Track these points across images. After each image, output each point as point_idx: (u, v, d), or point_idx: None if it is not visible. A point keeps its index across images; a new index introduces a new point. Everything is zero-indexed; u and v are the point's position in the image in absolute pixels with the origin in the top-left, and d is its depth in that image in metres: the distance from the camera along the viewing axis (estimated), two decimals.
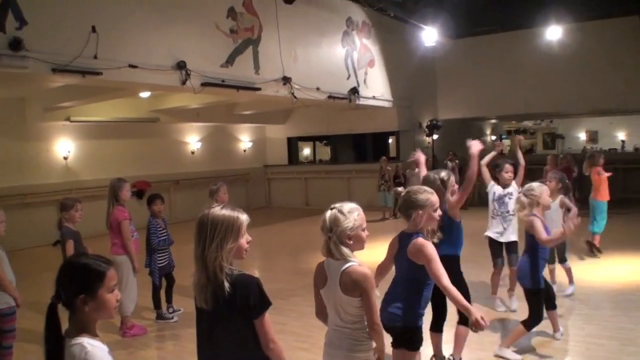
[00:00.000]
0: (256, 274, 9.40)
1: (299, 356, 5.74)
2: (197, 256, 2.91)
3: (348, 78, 15.96)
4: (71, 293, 2.40)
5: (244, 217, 2.97)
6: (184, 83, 10.70)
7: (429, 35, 16.62)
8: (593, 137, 33.99)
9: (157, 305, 7.33)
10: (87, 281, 2.42)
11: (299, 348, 5.96)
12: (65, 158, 14.86)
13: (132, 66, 9.68)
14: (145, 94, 13.88)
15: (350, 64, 16.15)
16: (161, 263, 7.29)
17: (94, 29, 9.08)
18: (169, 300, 7.50)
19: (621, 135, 32.56)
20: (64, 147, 14.86)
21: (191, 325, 6.78)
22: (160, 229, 7.28)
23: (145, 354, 6.16)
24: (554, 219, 6.55)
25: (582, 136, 34.66)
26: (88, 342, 2.39)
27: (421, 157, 6.25)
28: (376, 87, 17.42)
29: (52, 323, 2.41)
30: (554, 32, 16.60)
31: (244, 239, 2.99)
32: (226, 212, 2.93)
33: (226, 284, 2.85)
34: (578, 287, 7.70)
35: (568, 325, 6.36)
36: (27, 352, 6.00)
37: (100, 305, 2.44)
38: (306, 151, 25.62)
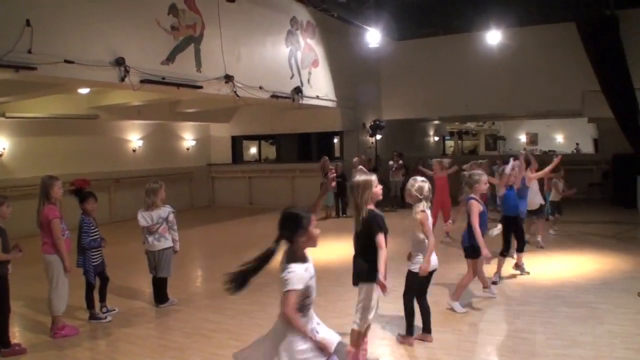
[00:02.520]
0: (198, 272, 9.42)
1: (231, 354, 5.72)
2: (355, 203, 5.15)
3: (292, 77, 15.99)
4: (293, 231, 3.78)
5: (374, 177, 5.22)
6: (122, 80, 10.52)
7: (373, 37, 16.76)
8: (533, 139, 34.97)
9: (90, 305, 7.20)
10: (302, 222, 3.77)
11: (233, 346, 5.94)
12: None
13: (68, 61, 9.45)
14: (84, 90, 13.59)
15: (294, 63, 16.19)
16: (95, 262, 7.17)
17: (28, 23, 8.83)
18: (102, 299, 7.38)
19: (559, 138, 33.61)
20: None
21: (125, 324, 6.81)
22: (93, 228, 7.16)
23: (77, 354, 6.04)
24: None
25: (523, 138, 35.58)
26: (295, 266, 3.76)
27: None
28: (320, 87, 17.51)
29: (264, 262, 3.89)
30: (493, 36, 16.96)
31: (377, 189, 5.17)
32: (364, 176, 5.23)
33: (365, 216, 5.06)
34: (510, 282, 8.01)
35: (497, 321, 6.56)
36: None
37: (310, 237, 3.80)
38: (252, 150, 25.55)
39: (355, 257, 5.27)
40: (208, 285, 9.20)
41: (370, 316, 5.16)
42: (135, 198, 17.35)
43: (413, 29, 19.15)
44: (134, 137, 18.67)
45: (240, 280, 3.91)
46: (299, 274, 3.72)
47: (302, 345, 3.74)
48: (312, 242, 3.84)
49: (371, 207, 5.13)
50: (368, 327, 5.32)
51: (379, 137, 19.82)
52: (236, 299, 7.87)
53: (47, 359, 5.93)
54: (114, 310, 7.47)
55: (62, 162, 15.31)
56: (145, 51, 11.14)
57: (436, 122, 29.15)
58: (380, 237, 5.00)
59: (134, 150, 18.63)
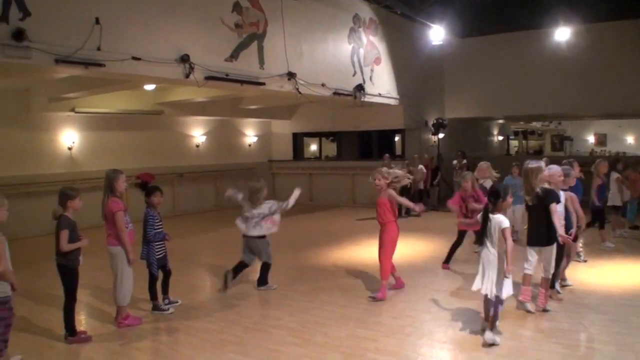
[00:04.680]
0: (257, 267, 9.44)
1: (292, 351, 5.74)
2: (530, 183, 6.66)
3: (354, 75, 15.91)
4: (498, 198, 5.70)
5: (542, 163, 6.89)
6: (187, 76, 10.68)
7: (437, 34, 16.60)
8: (602, 140, 33.87)
9: (153, 296, 7.34)
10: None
11: (292, 343, 5.95)
12: (69, 148, 14.91)
13: (135, 58, 9.68)
14: (150, 87, 13.88)
15: (357, 60, 16.10)
16: (159, 254, 7.30)
17: (97, 21, 9.08)
18: (165, 291, 7.51)
19: (630, 139, 32.43)
20: (69, 137, 14.91)
21: (186, 317, 6.89)
22: (157, 221, 7.28)
23: (139, 343, 6.15)
24: None
25: (591, 139, 34.50)
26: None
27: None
28: (382, 85, 17.37)
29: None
30: (562, 33, 16.51)
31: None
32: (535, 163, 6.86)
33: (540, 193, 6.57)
34: (581, 287, 7.74)
35: (566, 329, 6.29)
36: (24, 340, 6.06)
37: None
38: (313, 147, 25.60)
39: (532, 225, 6.89)
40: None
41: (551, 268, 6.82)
42: (197, 192, 17.79)
43: (478, 25, 18.82)
44: (198, 133, 18.97)
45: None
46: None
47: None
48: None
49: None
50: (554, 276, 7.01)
51: (441, 135, 19.55)
52: (296, 296, 7.96)
53: (111, 347, 6.05)
54: (177, 302, 7.58)
55: (127, 156, 15.73)
56: (209, 48, 11.28)
57: (500, 121, 28.56)
58: (554, 206, 6.60)
59: (197, 146, 18.93)
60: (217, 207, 18.39)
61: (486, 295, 5.84)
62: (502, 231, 5.72)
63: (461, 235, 9.33)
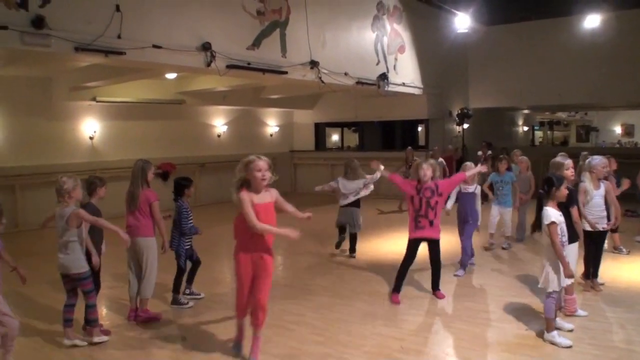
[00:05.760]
0: (277, 259, 9.27)
1: (313, 350, 5.55)
2: None
3: (377, 64, 15.64)
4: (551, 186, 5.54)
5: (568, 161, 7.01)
6: (208, 65, 10.53)
7: (462, 22, 16.23)
8: (629, 130, 33.19)
9: (176, 289, 7.20)
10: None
11: (314, 341, 5.76)
12: (90, 138, 14.86)
13: (156, 46, 9.54)
14: (171, 76, 13.77)
15: (380, 49, 15.82)
16: (187, 245, 7.19)
17: (117, 8, 8.96)
18: (190, 281, 7.41)
19: None
20: (90, 127, 14.85)
21: (207, 311, 6.77)
22: (190, 213, 7.14)
23: (158, 338, 5.99)
24: None
25: (618, 129, 33.84)
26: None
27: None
28: (406, 74, 17.07)
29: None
30: (591, 21, 16.06)
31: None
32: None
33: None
34: (612, 285, 7.49)
35: (598, 329, 6.02)
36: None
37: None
38: (334, 137, 25.38)
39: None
40: (287, 273, 9.07)
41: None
42: (218, 183, 17.64)
43: (504, 13, 18.41)
44: (219, 123, 18.84)
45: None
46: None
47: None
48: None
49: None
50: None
51: (465, 126, 19.22)
52: (318, 290, 7.76)
53: (128, 341, 5.94)
54: (200, 295, 7.46)
55: (148, 146, 15.63)
56: (231, 36, 11.10)
57: (526, 111, 28.09)
58: (575, 210, 6.45)
59: (218, 136, 18.80)
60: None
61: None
62: (547, 227, 5.47)
63: (412, 248, 7.21)
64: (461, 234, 8.64)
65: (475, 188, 8.70)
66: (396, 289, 7.19)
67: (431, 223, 6.92)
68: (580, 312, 6.37)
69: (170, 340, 5.99)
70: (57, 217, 5.61)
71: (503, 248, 10.11)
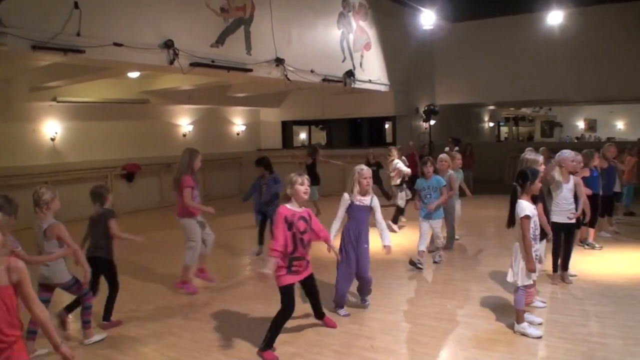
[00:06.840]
0: (246, 260, 9.14)
1: (285, 351, 5.43)
2: None
3: (343, 61, 15.59)
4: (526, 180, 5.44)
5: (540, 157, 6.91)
6: (172, 63, 10.32)
7: (427, 18, 16.26)
8: (592, 125, 33.78)
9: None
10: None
11: (283, 342, 5.64)
12: (52, 139, 14.49)
13: (116, 44, 9.30)
14: (134, 75, 13.50)
15: (346, 46, 15.77)
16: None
17: (76, 5, 8.68)
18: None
19: (620, 125, 32.29)
20: (51, 128, 14.49)
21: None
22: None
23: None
24: None
25: (581, 124, 34.39)
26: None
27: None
28: (372, 71, 17.05)
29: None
30: (555, 17, 16.21)
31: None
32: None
33: None
34: (580, 278, 7.54)
35: (567, 322, 6.01)
36: None
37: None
38: (302, 135, 25.25)
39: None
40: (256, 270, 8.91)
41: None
42: None
43: (469, 10, 18.48)
44: (184, 122, 18.59)
45: None
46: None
47: None
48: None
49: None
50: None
51: (432, 122, 19.27)
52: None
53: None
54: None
55: (112, 146, 15.33)
56: (194, 34, 10.91)
57: (491, 107, 28.35)
58: (539, 207, 6.20)
59: (184, 135, 18.55)
60: (205, 197, 18.04)
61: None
62: (521, 220, 5.46)
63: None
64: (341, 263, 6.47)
65: (371, 201, 6.42)
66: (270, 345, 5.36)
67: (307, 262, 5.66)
68: (538, 303, 6.44)
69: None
70: (36, 229, 5.48)
71: (435, 262, 8.78)
